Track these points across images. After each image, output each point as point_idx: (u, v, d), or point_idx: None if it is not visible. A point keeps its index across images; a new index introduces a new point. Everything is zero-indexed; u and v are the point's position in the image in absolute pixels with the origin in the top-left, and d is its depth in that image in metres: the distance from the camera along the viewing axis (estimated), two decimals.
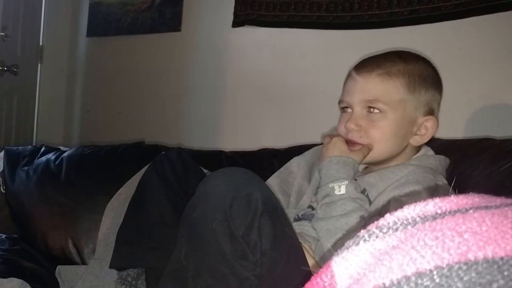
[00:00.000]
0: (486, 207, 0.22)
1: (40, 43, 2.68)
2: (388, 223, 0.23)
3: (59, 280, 1.05)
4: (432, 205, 0.23)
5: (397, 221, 0.23)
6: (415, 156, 0.97)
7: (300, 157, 1.11)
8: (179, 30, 2.22)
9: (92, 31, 2.62)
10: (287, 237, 0.77)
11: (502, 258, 0.19)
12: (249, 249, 0.71)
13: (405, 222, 0.23)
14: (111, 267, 0.95)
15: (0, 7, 2.26)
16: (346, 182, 0.86)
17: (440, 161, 0.96)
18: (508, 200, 0.24)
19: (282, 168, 1.12)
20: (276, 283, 0.73)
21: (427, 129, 0.94)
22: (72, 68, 2.75)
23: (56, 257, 1.19)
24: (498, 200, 0.24)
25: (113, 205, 1.18)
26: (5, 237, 1.23)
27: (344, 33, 1.71)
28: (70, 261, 1.19)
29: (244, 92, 2.01)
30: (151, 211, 0.95)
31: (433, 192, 0.84)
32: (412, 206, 0.24)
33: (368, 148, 0.92)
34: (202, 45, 2.15)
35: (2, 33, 2.29)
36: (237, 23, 1.98)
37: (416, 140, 0.95)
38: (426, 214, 0.23)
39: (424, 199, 0.78)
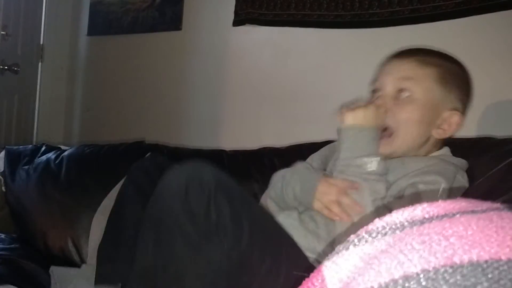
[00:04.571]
0: (473, 212, 0.23)
1: (41, 42, 2.69)
2: (377, 227, 0.24)
3: (51, 280, 1.05)
4: (420, 210, 0.24)
5: (385, 225, 0.23)
6: (436, 153, 0.98)
7: (315, 154, 1.12)
8: (179, 29, 2.22)
9: (93, 30, 2.62)
10: (246, 212, 0.80)
11: (486, 261, 0.20)
12: (212, 229, 0.75)
13: (393, 226, 0.23)
14: (96, 283, 0.95)
15: (0, 6, 2.27)
16: (378, 158, 0.85)
17: (461, 162, 0.97)
18: (494, 205, 0.24)
19: None
20: (243, 256, 0.76)
21: (450, 124, 0.95)
22: (72, 67, 2.76)
23: (55, 257, 1.20)
24: (485, 205, 0.24)
25: (98, 219, 1.19)
26: (4, 237, 1.23)
27: (344, 32, 1.71)
28: (69, 261, 1.19)
29: (244, 91, 2.01)
30: (129, 226, 0.96)
31: (452, 183, 0.85)
32: (400, 211, 0.24)
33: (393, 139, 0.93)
34: (202, 44, 2.15)
35: (2, 32, 2.30)
36: (237, 22, 1.98)
37: (438, 133, 0.96)
38: (414, 219, 0.23)
39: (443, 191, 0.77)
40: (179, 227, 0.74)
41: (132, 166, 1.02)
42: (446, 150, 0.99)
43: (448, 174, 0.87)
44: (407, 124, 0.93)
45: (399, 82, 0.94)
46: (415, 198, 0.79)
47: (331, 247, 0.82)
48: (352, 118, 0.90)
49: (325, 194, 0.85)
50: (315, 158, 1.09)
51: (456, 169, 0.90)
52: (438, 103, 0.94)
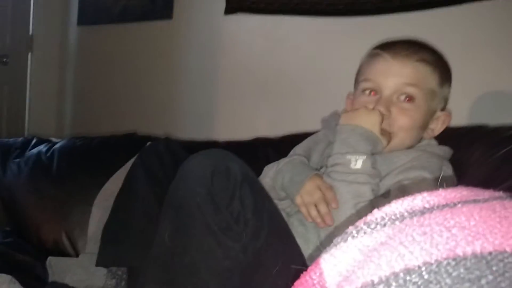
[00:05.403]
0: (475, 201, 0.22)
1: (30, 32, 2.64)
2: (376, 218, 0.23)
3: (49, 271, 1.04)
4: (420, 200, 0.23)
5: (385, 216, 0.23)
6: (419, 144, 0.96)
7: (298, 146, 1.11)
8: (170, 17, 2.19)
9: (83, 20, 2.58)
10: (267, 208, 0.80)
11: (490, 253, 0.19)
12: (233, 220, 0.74)
13: (393, 217, 0.22)
14: (97, 265, 0.94)
15: None
16: (364, 157, 0.83)
17: (445, 151, 0.96)
18: (496, 193, 0.24)
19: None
20: (259, 252, 0.76)
21: (438, 123, 0.95)
22: (63, 57, 2.72)
23: (49, 250, 1.19)
24: (487, 194, 0.23)
25: (99, 202, 1.18)
26: None
27: (337, 20, 1.70)
28: (63, 254, 1.19)
29: (237, 81, 1.99)
30: (137, 209, 0.93)
31: (438, 177, 0.84)
32: (399, 201, 0.24)
33: (390, 138, 0.90)
34: (194, 33, 2.13)
35: None
36: (229, 10, 1.96)
37: (428, 134, 0.96)
38: (414, 209, 0.22)
39: (429, 185, 0.76)
40: (201, 213, 0.73)
41: (144, 148, 1.00)
42: (430, 140, 0.98)
43: (432, 167, 0.86)
44: (408, 129, 0.91)
45: (402, 87, 0.90)
46: (401, 193, 0.78)
47: (319, 251, 0.82)
48: (349, 118, 0.89)
49: (309, 194, 0.85)
50: (297, 150, 1.07)
51: (440, 161, 0.89)
52: (434, 106, 0.93)
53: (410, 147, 0.94)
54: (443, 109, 0.97)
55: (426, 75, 0.91)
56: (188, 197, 0.74)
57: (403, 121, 0.90)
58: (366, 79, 0.94)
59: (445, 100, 0.96)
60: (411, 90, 0.89)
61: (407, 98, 0.90)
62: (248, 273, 0.75)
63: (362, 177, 0.82)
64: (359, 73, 1.01)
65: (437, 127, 0.96)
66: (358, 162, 0.82)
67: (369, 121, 0.87)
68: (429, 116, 0.93)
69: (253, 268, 0.75)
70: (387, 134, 0.90)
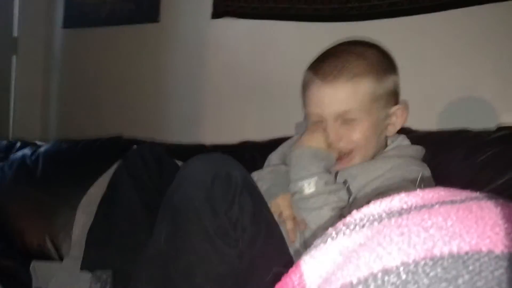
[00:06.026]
0: (452, 202, 0.22)
1: (15, 35, 2.61)
2: (355, 220, 0.23)
3: (32, 275, 1.03)
4: (398, 201, 0.23)
5: (363, 217, 0.23)
6: (392, 146, 0.96)
7: (273, 153, 1.10)
8: (157, 21, 2.19)
9: (69, 22, 2.55)
10: (265, 215, 0.81)
11: (467, 253, 0.19)
12: (231, 226, 0.74)
13: (371, 218, 0.23)
14: (82, 268, 0.93)
15: None
16: (316, 178, 0.84)
17: (418, 151, 0.95)
18: (473, 194, 0.24)
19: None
20: (254, 259, 0.76)
21: (397, 117, 0.94)
22: (48, 60, 2.69)
23: (33, 254, 1.18)
24: (464, 194, 0.24)
25: (84, 206, 1.16)
26: None
27: (323, 26, 1.71)
28: (48, 258, 1.17)
29: (224, 85, 1.99)
30: (122, 212, 0.93)
31: (420, 184, 0.84)
32: (378, 202, 0.24)
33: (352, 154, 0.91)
34: (181, 36, 2.13)
35: None
36: (216, 14, 1.96)
37: (390, 131, 0.95)
38: (392, 210, 0.23)
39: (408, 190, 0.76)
40: (198, 218, 0.72)
41: (128, 153, 0.99)
42: (401, 139, 0.97)
43: (413, 176, 0.85)
44: (364, 143, 0.91)
45: (340, 115, 0.89)
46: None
47: (299, 253, 0.82)
48: (297, 145, 0.91)
49: (277, 207, 0.88)
50: (273, 157, 1.07)
51: (419, 167, 0.89)
52: (383, 109, 0.92)
53: (377, 152, 0.94)
54: (397, 100, 0.95)
55: (360, 91, 0.89)
56: (186, 201, 0.74)
57: (355, 138, 0.90)
58: (308, 113, 0.95)
59: (393, 92, 0.94)
60: (349, 114, 0.89)
61: (350, 118, 0.89)
62: (242, 279, 0.75)
63: (320, 199, 0.83)
64: (302, 99, 1.01)
65: (396, 120, 0.94)
66: (311, 185, 0.84)
67: (314, 140, 0.89)
68: (381, 119, 0.92)
69: (247, 275, 0.75)
70: (349, 152, 0.91)
